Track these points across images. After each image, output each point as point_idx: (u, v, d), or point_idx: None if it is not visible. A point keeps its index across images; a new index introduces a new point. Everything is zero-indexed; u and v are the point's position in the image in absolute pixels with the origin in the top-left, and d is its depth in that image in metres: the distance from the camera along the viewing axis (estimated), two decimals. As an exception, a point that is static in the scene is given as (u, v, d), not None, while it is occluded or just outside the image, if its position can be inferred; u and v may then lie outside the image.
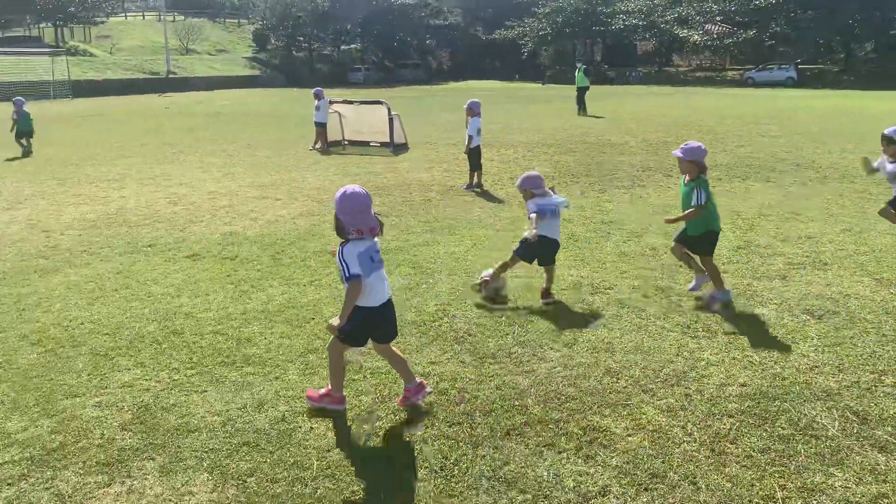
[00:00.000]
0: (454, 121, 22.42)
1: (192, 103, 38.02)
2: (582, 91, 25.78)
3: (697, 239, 6.11)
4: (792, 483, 3.53)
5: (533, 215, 5.99)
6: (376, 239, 4.14)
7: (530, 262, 6.28)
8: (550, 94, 41.07)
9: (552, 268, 6.34)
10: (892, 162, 6.80)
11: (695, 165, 5.85)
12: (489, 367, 4.90)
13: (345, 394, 4.39)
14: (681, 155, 5.87)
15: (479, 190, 11.56)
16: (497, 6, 74.51)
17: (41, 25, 67.20)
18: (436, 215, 9.70)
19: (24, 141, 17.14)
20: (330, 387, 4.35)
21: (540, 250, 6.17)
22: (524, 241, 6.17)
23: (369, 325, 4.21)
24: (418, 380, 4.41)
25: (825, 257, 7.35)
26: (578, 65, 28.10)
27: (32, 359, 5.17)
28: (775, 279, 6.69)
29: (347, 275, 3.95)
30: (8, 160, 16.06)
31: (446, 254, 7.77)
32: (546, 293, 6.23)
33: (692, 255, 6.23)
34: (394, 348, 4.44)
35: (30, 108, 18.23)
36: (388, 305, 4.25)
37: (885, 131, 6.83)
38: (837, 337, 5.31)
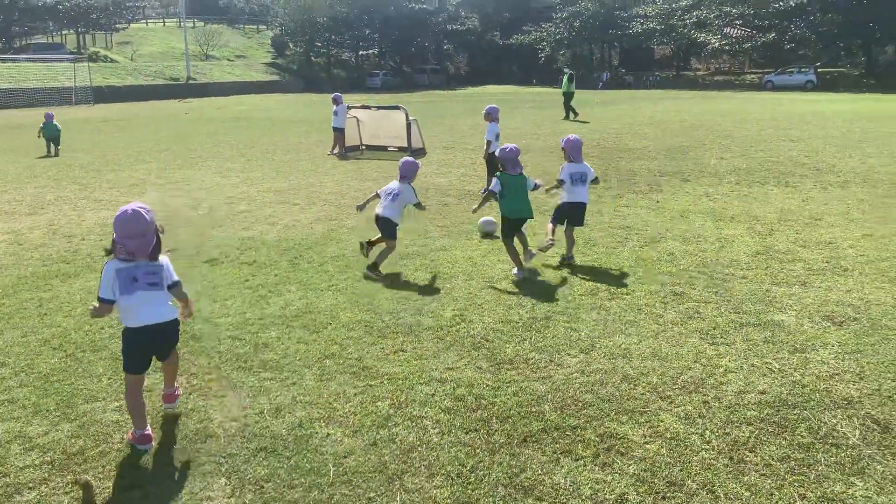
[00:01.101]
0: (471, 125, 22.46)
1: (211, 109, 38.36)
2: (568, 97, 26.22)
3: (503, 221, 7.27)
4: (812, 493, 3.50)
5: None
6: (161, 260, 4.07)
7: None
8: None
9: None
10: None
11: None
12: (506, 373, 4.89)
13: (150, 431, 4.09)
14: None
15: (496, 195, 11.54)
16: (514, 11, 74.53)
17: (63, 32, 68.09)
18: (453, 220, 9.71)
19: (51, 145, 18.59)
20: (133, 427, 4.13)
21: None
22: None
23: (138, 346, 4.06)
24: (179, 389, 4.55)
25: (846, 263, 7.28)
26: (565, 70, 28.27)
27: (54, 363, 5.23)
28: (795, 285, 6.63)
29: (99, 294, 3.96)
30: (39, 157, 17.43)
31: (463, 258, 7.77)
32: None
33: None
34: (170, 365, 4.40)
35: (53, 111, 19.66)
36: (158, 329, 4.06)
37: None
38: (858, 344, 5.25)
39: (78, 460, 3.92)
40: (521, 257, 7.18)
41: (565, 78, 26.93)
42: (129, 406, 4.11)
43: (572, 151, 7.57)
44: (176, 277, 4.19)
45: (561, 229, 7.59)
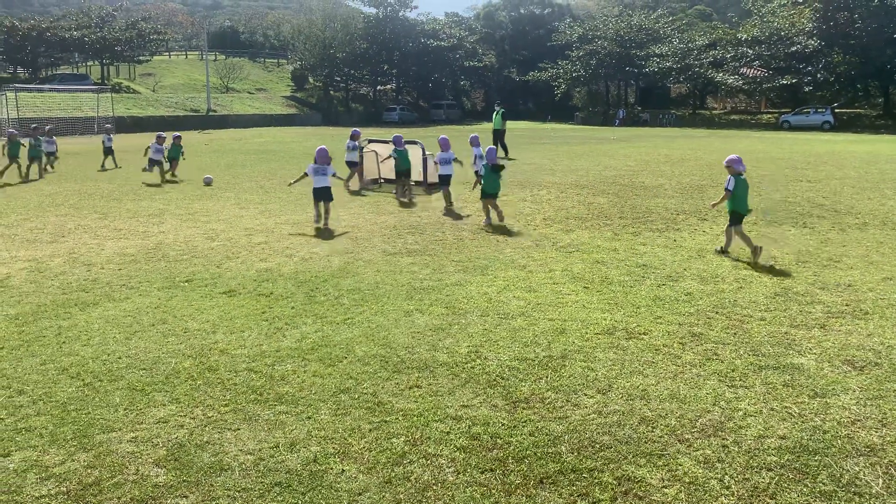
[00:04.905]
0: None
1: (231, 140, 38.83)
2: (498, 133, 25.35)
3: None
4: (835, 542, 3.43)
5: None
6: (327, 166, 11.69)
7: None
8: (583, 135, 41.20)
9: None
10: None
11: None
12: (522, 412, 4.86)
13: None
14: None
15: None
16: (531, 49, 75.40)
17: (88, 63, 69.55)
18: (468, 255, 9.73)
19: (169, 164, 20.01)
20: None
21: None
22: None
23: (315, 195, 11.65)
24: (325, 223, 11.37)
25: (866, 306, 7.21)
26: (497, 108, 26.38)
27: (71, 392, 5.26)
28: (814, 328, 6.57)
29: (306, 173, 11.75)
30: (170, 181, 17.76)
31: (479, 294, 7.77)
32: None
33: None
34: (326, 207, 11.66)
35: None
36: (322, 189, 11.65)
37: None
38: (880, 390, 5.18)
39: (94, 491, 3.92)
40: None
41: (497, 115, 25.65)
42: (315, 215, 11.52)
43: (443, 145, 14.05)
44: (333, 171, 11.75)
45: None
